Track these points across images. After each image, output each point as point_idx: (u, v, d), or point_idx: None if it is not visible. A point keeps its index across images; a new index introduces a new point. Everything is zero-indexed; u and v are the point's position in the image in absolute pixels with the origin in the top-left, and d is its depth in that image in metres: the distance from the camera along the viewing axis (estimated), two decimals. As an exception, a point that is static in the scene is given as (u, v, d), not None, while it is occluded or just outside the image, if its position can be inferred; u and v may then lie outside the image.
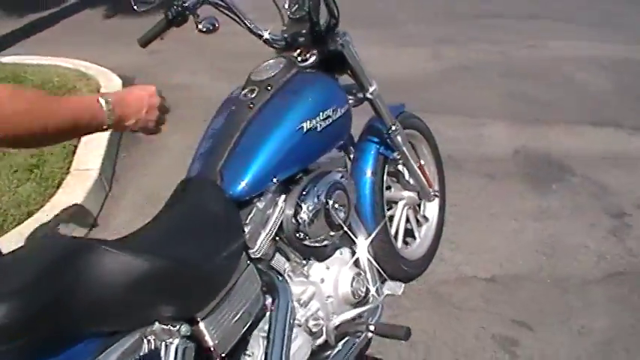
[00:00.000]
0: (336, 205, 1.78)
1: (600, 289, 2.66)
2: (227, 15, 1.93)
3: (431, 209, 2.81)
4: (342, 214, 1.80)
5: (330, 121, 1.80)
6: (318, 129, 1.76)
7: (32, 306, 1.04)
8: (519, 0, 7.58)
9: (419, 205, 2.72)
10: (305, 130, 1.72)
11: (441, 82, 4.97)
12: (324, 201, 1.73)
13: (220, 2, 1.89)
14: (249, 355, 1.63)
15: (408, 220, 2.63)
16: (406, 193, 2.61)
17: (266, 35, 1.97)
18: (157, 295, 1.29)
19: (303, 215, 1.69)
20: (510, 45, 5.86)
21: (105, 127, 1.27)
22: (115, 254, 1.20)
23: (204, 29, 1.89)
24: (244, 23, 1.94)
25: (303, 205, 1.70)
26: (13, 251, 1.19)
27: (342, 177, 1.84)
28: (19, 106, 1.10)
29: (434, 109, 4.01)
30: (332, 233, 1.79)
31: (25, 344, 1.04)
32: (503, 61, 5.53)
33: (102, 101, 1.26)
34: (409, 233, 2.66)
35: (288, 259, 1.81)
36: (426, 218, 2.79)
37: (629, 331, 2.43)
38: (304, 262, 1.83)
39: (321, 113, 1.77)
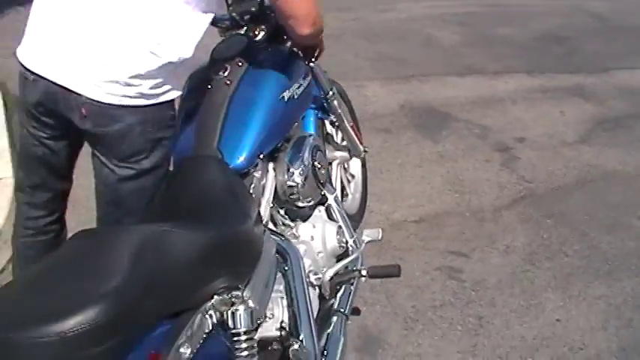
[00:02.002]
0: (319, 166, 1.93)
1: (511, 214, 3.04)
2: None
3: (355, 166, 3.02)
4: (324, 172, 1.96)
5: (302, 88, 1.94)
6: (295, 97, 1.89)
7: (124, 303, 1.07)
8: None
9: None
10: (286, 99, 1.85)
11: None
12: (311, 163, 1.88)
13: None
14: (271, 317, 1.74)
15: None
16: (338, 153, 2.79)
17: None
18: (218, 267, 1.36)
19: (296, 178, 1.83)
20: (364, 10, 6.19)
21: None
22: (180, 233, 1.26)
23: None
24: None
25: (294, 169, 1.83)
26: (76, 245, 1.22)
27: (315, 140, 1.99)
28: None
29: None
30: (319, 191, 1.94)
31: (116, 342, 1.06)
32: (362, 26, 5.85)
33: None
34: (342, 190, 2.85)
35: (276, 224, 1.94)
36: (352, 175, 3.00)
37: (545, 243, 2.83)
38: (292, 223, 1.97)
39: (295, 81, 1.90)
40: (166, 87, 1.56)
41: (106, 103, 1.49)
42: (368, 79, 4.63)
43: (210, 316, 1.36)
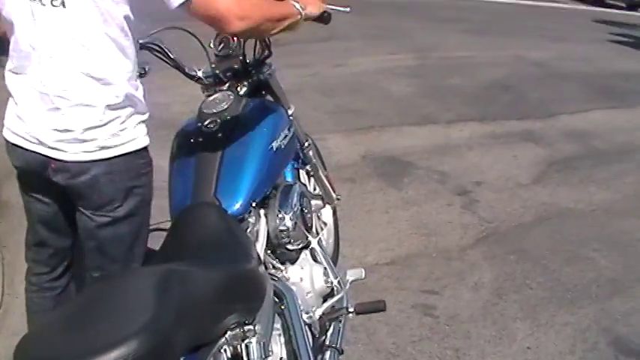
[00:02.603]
0: (306, 211, 2.07)
1: (476, 252, 3.22)
2: (161, 59, 2.10)
3: (326, 214, 3.15)
4: (310, 217, 2.10)
5: (288, 138, 2.09)
6: (282, 147, 2.04)
7: (157, 336, 1.15)
8: (311, 26, 8.23)
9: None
10: (274, 149, 1.99)
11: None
12: (299, 208, 2.02)
13: (156, 48, 2.06)
14: (270, 354, 1.84)
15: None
16: (313, 202, 2.92)
17: (199, 74, 2.18)
18: (233, 303, 1.46)
19: (287, 223, 1.96)
20: (320, 66, 6.44)
21: (299, 17, 1.75)
22: (197, 272, 1.38)
23: (138, 74, 2.07)
24: (179, 66, 2.14)
25: (284, 215, 1.97)
26: (100, 287, 1.32)
27: (300, 187, 2.14)
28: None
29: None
30: (305, 235, 2.07)
31: None
32: (319, 81, 6.08)
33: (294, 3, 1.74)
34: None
35: (267, 267, 2.05)
36: (325, 223, 3.13)
37: (510, 277, 3.00)
38: (283, 266, 2.09)
39: (281, 132, 2.05)
40: (126, 137, 1.65)
41: (68, 161, 1.60)
42: (329, 131, 4.80)
43: (225, 350, 1.46)
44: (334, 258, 2.97)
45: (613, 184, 4.04)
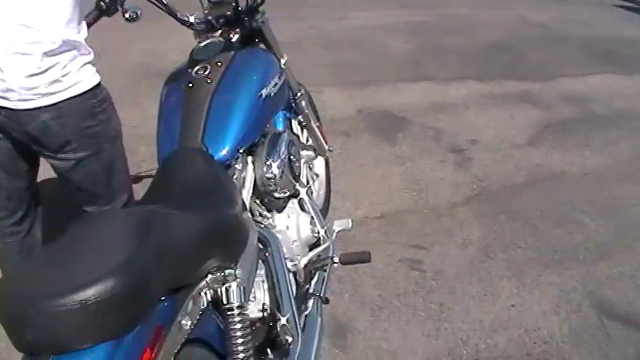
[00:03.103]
0: (294, 159, 2.05)
1: (466, 210, 3.21)
2: (154, 4, 2.06)
3: (318, 166, 3.13)
4: (298, 165, 2.07)
5: (278, 87, 2.06)
6: (272, 95, 2.01)
7: (136, 274, 1.16)
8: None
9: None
10: (264, 96, 1.96)
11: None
12: (287, 156, 1.99)
13: None
14: (253, 300, 1.84)
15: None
16: (304, 152, 2.90)
17: (192, 20, 2.14)
18: (213, 246, 1.46)
19: (274, 170, 1.94)
20: (320, 19, 6.34)
21: None
22: (179, 214, 1.36)
23: (130, 18, 2.03)
24: (171, 11, 2.09)
25: (271, 162, 1.95)
26: (84, 226, 1.31)
27: (289, 135, 2.11)
28: None
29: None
30: (293, 184, 2.06)
31: (130, 311, 1.16)
32: (318, 34, 5.99)
33: None
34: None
35: (254, 215, 2.04)
36: (317, 174, 3.11)
37: (497, 237, 3.00)
38: (269, 214, 2.08)
39: (271, 80, 2.02)
40: (70, 81, 1.65)
41: (15, 109, 1.61)
42: (325, 85, 4.76)
43: (205, 293, 1.46)
44: (324, 210, 2.97)
45: (608, 150, 4.02)
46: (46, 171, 1.94)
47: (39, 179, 2.02)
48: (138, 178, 2.74)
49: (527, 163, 3.73)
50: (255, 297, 1.81)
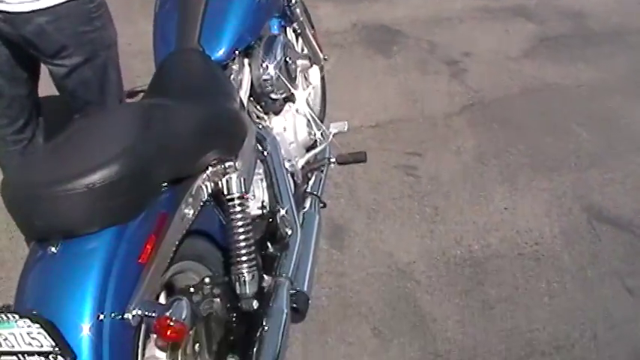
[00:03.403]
0: (290, 61, 2.05)
1: (461, 119, 3.24)
2: None
3: (314, 75, 3.12)
4: (294, 67, 2.08)
5: None
6: None
7: (140, 160, 1.20)
8: None
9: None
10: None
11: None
12: (283, 58, 2.00)
13: None
14: (252, 198, 1.88)
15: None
16: (299, 61, 2.88)
17: None
18: (213, 139, 1.49)
19: (271, 71, 1.95)
20: None
21: None
22: (179, 108, 1.39)
23: None
24: None
25: (268, 63, 1.95)
26: (88, 120, 1.33)
27: (285, 38, 2.11)
28: None
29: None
30: (289, 86, 2.07)
31: (135, 196, 1.22)
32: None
33: None
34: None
35: (250, 116, 2.06)
36: (312, 84, 3.10)
37: (491, 144, 3.04)
38: (266, 116, 2.09)
39: None
40: None
41: (11, 12, 1.60)
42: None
43: (206, 185, 1.50)
44: (321, 118, 2.97)
45: (602, 64, 4.01)
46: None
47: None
48: (132, 93, 2.74)
49: (521, 75, 3.73)
50: (254, 195, 1.85)
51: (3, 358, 1.13)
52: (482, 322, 2.10)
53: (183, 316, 1.23)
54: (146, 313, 1.20)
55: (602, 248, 2.43)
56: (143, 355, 1.34)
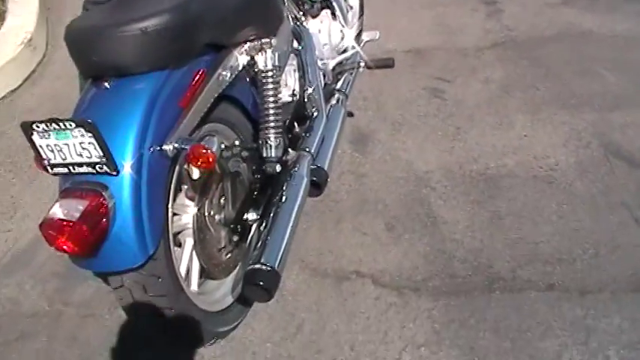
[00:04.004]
0: None
1: (491, 53, 3.31)
2: None
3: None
4: None
5: None
6: None
7: (189, 15, 1.37)
8: None
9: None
10: None
11: None
12: None
13: None
14: (284, 86, 2.01)
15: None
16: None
17: None
18: (252, 15, 1.64)
19: None
20: None
21: None
22: None
23: None
24: None
25: None
26: None
27: None
28: None
29: None
30: None
31: (180, 48, 1.37)
32: None
33: None
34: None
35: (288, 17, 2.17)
36: (351, 6, 3.18)
37: (518, 78, 3.12)
38: (303, 17, 2.20)
39: None
40: None
41: None
42: None
43: (244, 58, 1.65)
44: (357, 40, 3.07)
45: (639, 18, 4.02)
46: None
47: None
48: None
49: (557, 20, 3.76)
50: (286, 83, 1.98)
51: (55, 169, 1.28)
52: (491, 230, 2.21)
53: (214, 147, 1.38)
54: (182, 145, 1.34)
55: (615, 181, 2.51)
56: (175, 196, 1.49)
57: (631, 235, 2.22)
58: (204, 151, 1.33)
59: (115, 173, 1.27)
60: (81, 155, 1.27)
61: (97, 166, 1.27)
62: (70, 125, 1.22)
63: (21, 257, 2.17)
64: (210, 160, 1.34)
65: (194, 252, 1.64)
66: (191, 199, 1.61)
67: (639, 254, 2.14)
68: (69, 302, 1.99)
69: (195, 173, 1.55)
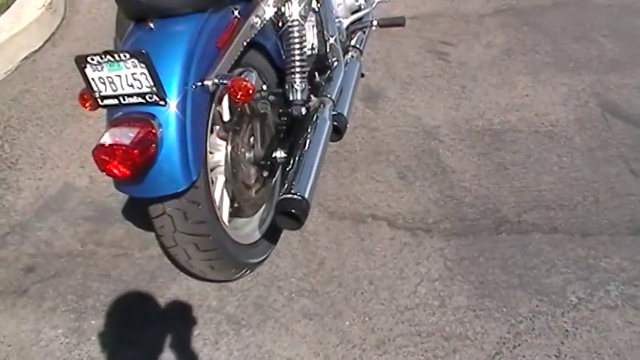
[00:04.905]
0: None
1: (493, 20, 3.43)
2: None
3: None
4: None
5: None
6: None
7: None
8: None
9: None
10: None
11: None
12: None
13: None
14: (308, 37, 2.12)
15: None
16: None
17: None
18: None
19: None
20: None
21: None
22: None
23: None
24: None
25: None
26: None
27: None
28: None
29: None
30: None
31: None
32: None
33: None
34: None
35: None
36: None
37: (519, 43, 3.24)
38: None
39: None
40: None
41: None
42: None
43: (271, 8, 1.76)
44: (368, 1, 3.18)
45: (635, -10, 4.14)
46: None
47: None
48: None
49: (555, -10, 3.87)
50: (309, 35, 2.09)
51: (105, 101, 1.38)
52: (496, 179, 2.34)
53: (254, 80, 1.50)
54: (222, 80, 1.46)
55: (612, 136, 2.64)
56: (212, 129, 1.61)
57: (628, 185, 2.35)
58: (244, 83, 1.44)
59: (163, 103, 1.37)
60: (132, 86, 1.37)
61: (147, 96, 1.37)
62: (125, 56, 1.32)
63: (52, 203, 2.28)
64: (250, 92, 1.45)
65: (225, 189, 1.76)
66: (223, 138, 1.72)
67: (636, 202, 2.26)
68: (101, 243, 2.11)
69: (226, 114, 1.67)
